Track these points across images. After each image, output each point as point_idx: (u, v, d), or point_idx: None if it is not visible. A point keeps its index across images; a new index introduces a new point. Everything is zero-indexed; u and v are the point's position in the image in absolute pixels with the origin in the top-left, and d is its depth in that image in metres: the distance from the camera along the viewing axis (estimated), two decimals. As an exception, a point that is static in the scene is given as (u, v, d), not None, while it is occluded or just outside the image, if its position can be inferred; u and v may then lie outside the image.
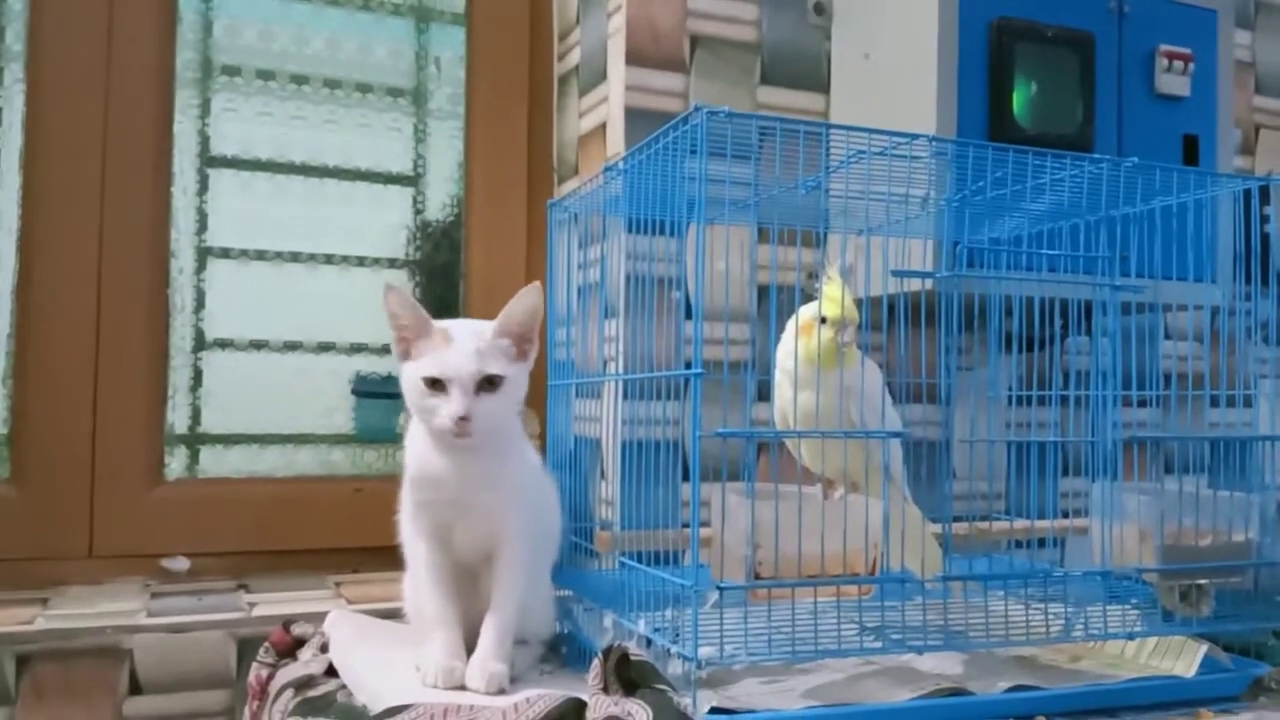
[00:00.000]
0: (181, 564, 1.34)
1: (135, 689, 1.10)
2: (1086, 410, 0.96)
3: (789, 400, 0.81)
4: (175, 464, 1.39)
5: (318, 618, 1.05)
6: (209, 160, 1.43)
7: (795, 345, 0.82)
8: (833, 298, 0.85)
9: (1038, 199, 1.02)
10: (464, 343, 0.84)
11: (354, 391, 1.49)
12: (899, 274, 0.79)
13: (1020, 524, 1.02)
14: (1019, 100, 1.28)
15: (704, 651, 0.71)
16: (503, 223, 1.52)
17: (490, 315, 1.69)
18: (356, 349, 1.49)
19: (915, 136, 0.83)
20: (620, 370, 1.27)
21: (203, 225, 1.42)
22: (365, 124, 1.50)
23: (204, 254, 1.43)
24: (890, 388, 1.39)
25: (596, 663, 0.72)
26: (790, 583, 0.73)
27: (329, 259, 1.47)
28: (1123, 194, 1.00)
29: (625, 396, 1.24)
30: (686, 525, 0.70)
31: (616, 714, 0.67)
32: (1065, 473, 1.03)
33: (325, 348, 1.47)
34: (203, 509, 1.37)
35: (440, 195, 1.55)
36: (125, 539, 1.32)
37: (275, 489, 1.41)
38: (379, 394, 1.51)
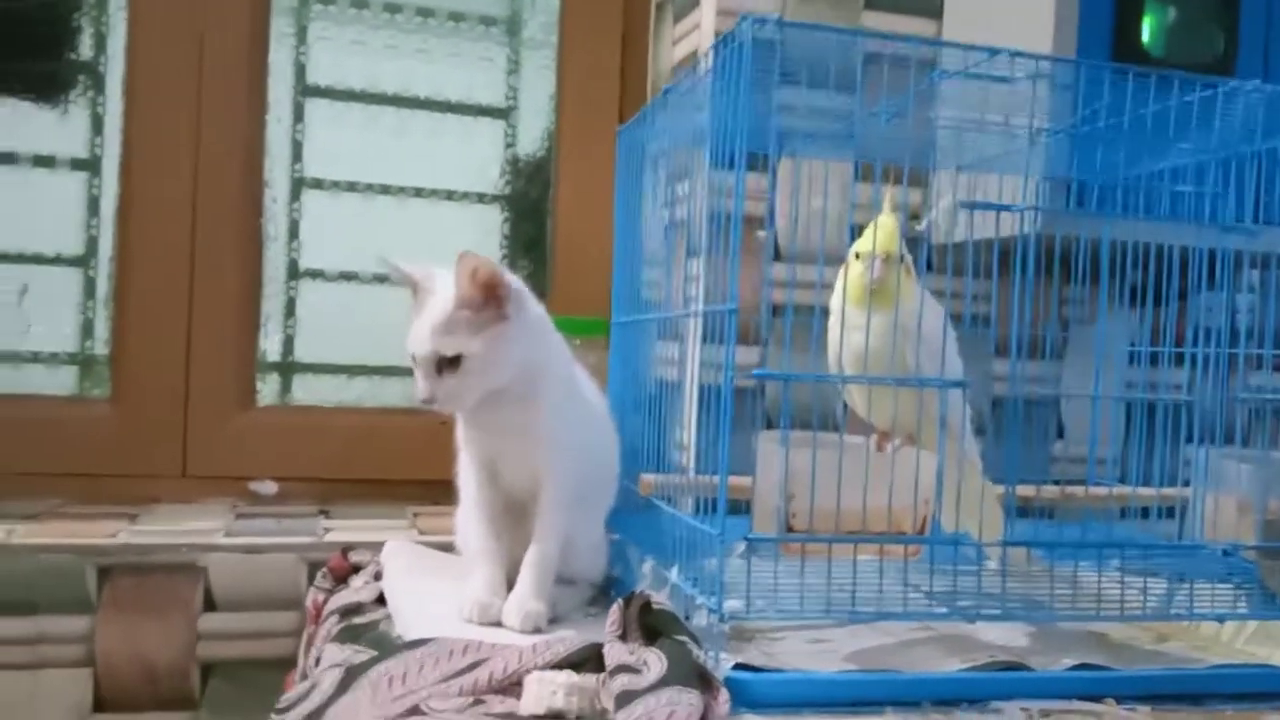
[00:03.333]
0: (269, 488, 1.37)
1: (210, 606, 1.13)
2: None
3: (836, 343, 0.75)
4: (267, 390, 1.42)
5: (379, 546, 1.06)
6: (304, 89, 1.43)
7: (843, 283, 0.75)
8: (866, 236, 0.78)
9: (1162, 133, 0.92)
10: (424, 318, 0.80)
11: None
12: (968, 206, 0.71)
13: (1120, 490, 0.94)
14: (1150, 26, 1.15)
15: (730, 605, 0.67)
16: (593, 157, 1.48)
17: (577, 255, 1.65)
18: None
19: (1005, 52, 0.75)
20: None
21: (297, 155, 1.44)
22: (457, 54, 1.48)
23: (298, 184, 1.44)
24: (1000, 341, 1.30)
25: (615, 608, 0.69)
26: (825, 538, 0.68)
27: (419, 192, 1.47)
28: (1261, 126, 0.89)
29: (704, 339, 1.20)
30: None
31: (630, 663, 0.63)
32: (1191, 439, 0.94)
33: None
34: (291, 435, 1.40)
35: (533, 129, 1.52)
36: (216, 461, 1.36)
37: (362, 419, 1.43)
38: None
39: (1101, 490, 0.94)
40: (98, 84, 1.36)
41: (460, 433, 0.88)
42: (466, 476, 0.89)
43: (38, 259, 1.36)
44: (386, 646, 0.76)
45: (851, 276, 0.75)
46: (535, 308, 0.86)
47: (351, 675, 0.70)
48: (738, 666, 0.67)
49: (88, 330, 1.38)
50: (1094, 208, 1.08)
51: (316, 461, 1.40)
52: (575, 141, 1.49)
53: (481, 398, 0.82)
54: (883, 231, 0.76)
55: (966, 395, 0.73)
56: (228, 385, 1.37)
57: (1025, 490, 0.98)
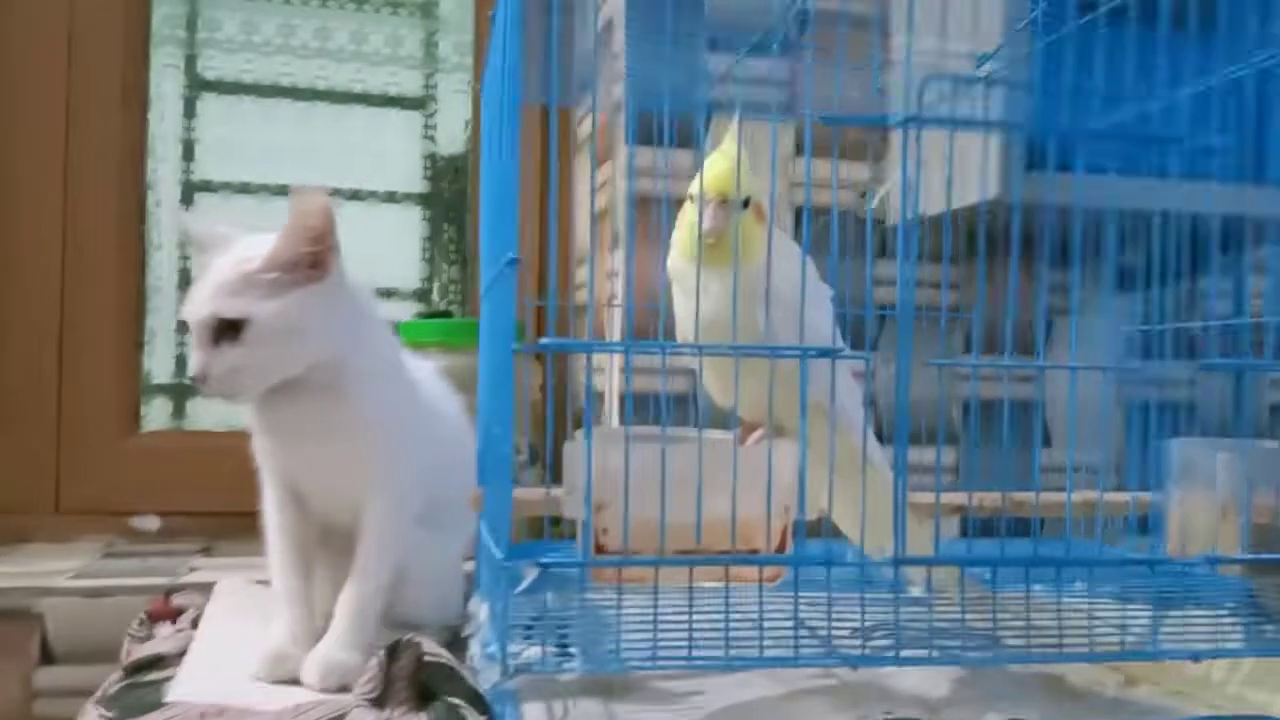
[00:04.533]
0: (151, 523, 1.23)
1: (48, 658, 0.98)
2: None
3: (685, 314, 0.59)
4: (154, 415, 1.28)
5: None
6: (195, 83, 1.31)
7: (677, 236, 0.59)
8: (704, 170, 0.61)
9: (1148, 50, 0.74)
10: (209, 277, 0.65)
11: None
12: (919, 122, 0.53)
13: (1084, 495, 0.76)
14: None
15: (528, 653, 0.51)
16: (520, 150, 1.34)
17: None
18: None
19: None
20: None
21: (188, 154, 1.31)
22: (364, 40, 1.34)
23: (189, 187, 1.31)
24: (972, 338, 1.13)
25: (375, 663, 0.53)
26: (645, 560, 0.51)
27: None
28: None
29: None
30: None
31: (373, 736, 0.47)
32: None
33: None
34: (180, 464, 1.26)
35: (453, 122, 1.38)
36: (93, 494, 1.22)
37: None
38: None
39: (1070, 497, 0.76)
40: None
41: (254, 441, 0.73)
42: (266, 504, 0.73)
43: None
44: (143, 711, 0.60)
45: (682, 227, 0.58)
46: (351, 275, 0.71)
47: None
48: (535, 734, 0.51)
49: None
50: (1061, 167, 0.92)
51: (207, 494, 1.24)
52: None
53: (270, 383, 0.66)
54: (716, 168, 0.59)
55: (866, 375, 0.56)
56: (107, 410, 1.23)
57: (989, 500, 0.80)
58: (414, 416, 0.73)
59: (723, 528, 0.51)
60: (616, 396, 1.06)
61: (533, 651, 0.50)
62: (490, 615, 0.54)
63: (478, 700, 0.51)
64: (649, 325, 1.00)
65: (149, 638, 0.84)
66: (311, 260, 0.66)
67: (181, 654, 0.77)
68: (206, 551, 1.16)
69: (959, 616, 0.60)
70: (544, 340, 0.51)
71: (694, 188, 0.61)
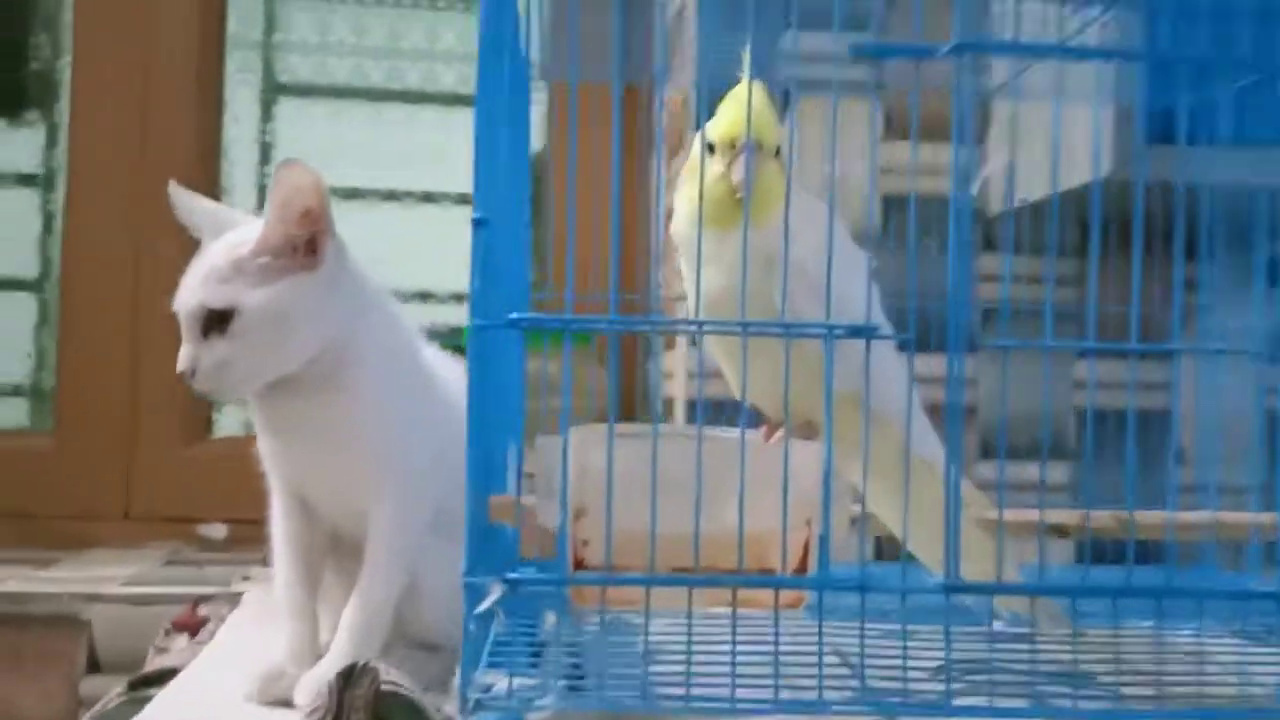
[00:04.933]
0: (218, 531, 1.21)
1: (95, 666, 0.96)
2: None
3: (691, 285, 0.50)
4: (226, 420, 1.27)
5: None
6: (272, 87, 1.29)
7: (691, 194, 0.50)
8: (725, 114, 0.52)
9: None
10: (200, 263, 0.61)
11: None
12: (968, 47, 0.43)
13: (1199, 516, 0.64)
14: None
15: (488, 681, 0.43)
16: (592, 141, 1.28)
17: (584, 261, 1.45)
18: (424, 297, 1.30)
19: None
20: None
21: (265, 158, 1.29)
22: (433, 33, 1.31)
23: (264, 191, 1.29)
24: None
25: (325, 689, 0.46)
26: (634, 579, 0.43)
27: (391, 194, 1.29)
28: None
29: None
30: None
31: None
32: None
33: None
34: (250, 471, 1.23)
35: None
36: (162, 501, 1.21)
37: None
38: (452, 348, 1.31)
39: (1200, 516, 0.65)
40: (53, 92, 1.26)
41: (258, 442, 0.68)
42: (274, 503, 0.68)
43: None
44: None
45: (707, 182, 0.50)
46: (356, 265, 0.65)
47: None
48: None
49: (43, 359, 1.26)
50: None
51: (276, 500, 1.22)
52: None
53: (263, 379, 0.61)
54: (738, 113, 0.50)
55: (907, 360, 0.46)
56: (177, 416, 1.22)
57: (1102, 520, 0.68)
58: (426, 415, 0.66)
59: (729, 542, 0.43)
60: (683, 401, 0.98)
61: (500, 684, 0.42)
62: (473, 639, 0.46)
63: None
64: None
65: (168, 649, 0.80)
66: (305, 243, 0.61)
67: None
68: (265, 561, 1.13)
69: (1056, 658, 0.50)
70: (513, 315, 0.43)
71: (712, 134, 0.52)
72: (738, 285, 0.45)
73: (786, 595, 0.44)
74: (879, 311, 0.50)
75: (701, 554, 0.43)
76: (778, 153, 0.52)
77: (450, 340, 1.27)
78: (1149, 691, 0.48)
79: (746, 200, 0.47)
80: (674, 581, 0.43)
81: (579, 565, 0.45)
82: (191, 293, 0.60)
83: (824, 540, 0.45)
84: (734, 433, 0.48)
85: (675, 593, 0.43)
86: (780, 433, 0.50)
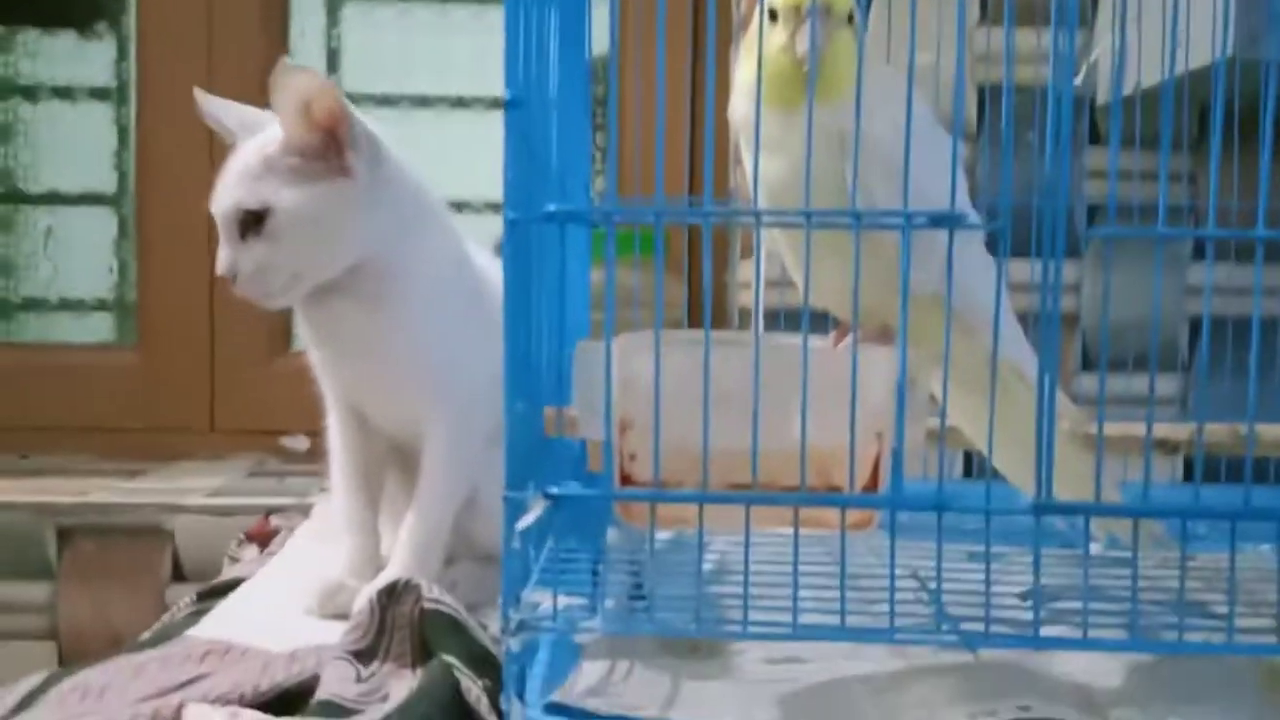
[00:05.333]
0: (301, 443, 1.21)
1: (179, 575, 0.98)
2: None
3: (751, 171, 0.45)
4: (307, 333, 1.26)
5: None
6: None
7: (750, 70, 0.45)
8: None
9: None
10: (233, 162, 0.58)
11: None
12: None
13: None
14: None
15: (535, 600, 0.40)
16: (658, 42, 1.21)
17: (649, 165, 1.40)
18: (495, 208, 1.26)
19: None
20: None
21: (332, 65, 1.26)
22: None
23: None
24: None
25: (365, 606, 0.44)
26: (684, 495, 0.39)
27: (460, 101, 1.26)
28: None
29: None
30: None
31: (343, 698, 0.39)
32: None
33: (458, 206, 1.26)
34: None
35: (598, 21, 1.26)
36: (245, 413, 1.22)
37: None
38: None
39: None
40: (121, 3, 1.24)
41: (308, 353, 0.66)
42: (329, 415, 0.67)
43: (68, 199, 1.26)
44: (156, 642, 0.55)
45: (768, 54, 0.44)
46: (403, 174, 0.62)
47: (47, 684, 0.49)
48: (552, 708, 0.40)
49: (123, 274, 1.27)
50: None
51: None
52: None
53: (304, 285, 0.59)
54: None
55: (998, 256, 0.41)
56: (258, 329, 1.22)
57: (1218, 433, 0.62)
58: (480, 326, 0.63)
59: (791, 457, 0.39)
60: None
61: (547, 603, 0.40)
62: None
63: (483, 661, 0.41)
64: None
65: (239, 559, 0.80)
66: (333, 153, 0.57)
67: (260, 579, 0.73)
68: (342, 473, 1.13)
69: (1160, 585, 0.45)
70: (551, 207, 0.39)
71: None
72: (803, 170, 0.40)
73: (854, 515, 0.40)
74: (965, 201, 0.45)
75: (760, 470, 0.39)
76: (851, 19, 0.46)
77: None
78: (1267, 623, 0.43)
79: (812, 73, 0.42)
80: (729, 499, 0.39)
81: (626, 481, 0.42)
82: (226, 192, 0.58)
83: (897, 455, 0.40)
84: (797, 338, 0.44)
85: (732, 512, 0.40)
86: (849, 338, 0.45)
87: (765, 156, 0.46)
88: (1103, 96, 0.96)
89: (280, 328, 1.24)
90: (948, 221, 0.39)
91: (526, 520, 0.39)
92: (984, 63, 0.98)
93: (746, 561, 0.39)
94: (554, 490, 0.39)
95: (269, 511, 0.87)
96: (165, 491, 1.02)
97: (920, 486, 0.40)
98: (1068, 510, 0.41)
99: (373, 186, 0.59)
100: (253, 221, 0.57)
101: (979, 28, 0.98)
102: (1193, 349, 1.00)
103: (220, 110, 0.63)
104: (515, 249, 0.39)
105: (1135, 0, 0.79)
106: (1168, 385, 0.99)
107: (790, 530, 0.40)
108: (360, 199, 0.58)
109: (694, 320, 1.11)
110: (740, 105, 0.49)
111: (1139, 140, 0.94)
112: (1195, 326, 0.99)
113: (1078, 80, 0.97)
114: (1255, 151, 0.53)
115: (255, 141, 0.59)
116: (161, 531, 0.97)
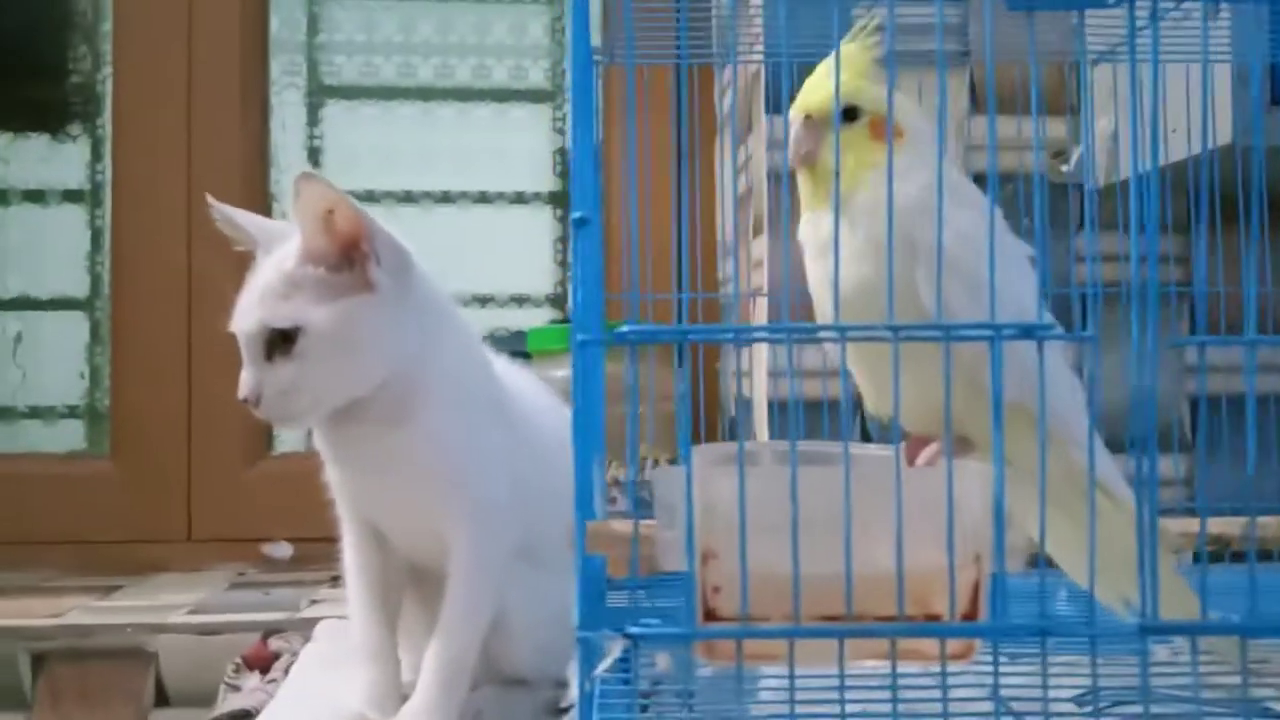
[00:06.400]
0: (283, 550, 1.17)
1: (163, 699, 0.92)
2: None
3: (815, 282, 0.44)
4: (288, 436, 1.22)
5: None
6: (318, 89, 1.25)
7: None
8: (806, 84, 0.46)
9: None
10: (256, 279, 0.57)
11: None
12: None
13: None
14: None
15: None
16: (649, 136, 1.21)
17: (657, 259, 1.40)
18: (482, 301, 1.25)
19: None
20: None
21: (314, 162, 1.25)
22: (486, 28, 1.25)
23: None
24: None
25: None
26: (773, 631, 0.37)
27: (446, 196, 1.24)
28: None
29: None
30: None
31: None
32: None
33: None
34: (314, 487, 1.19)
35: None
36: (224, 521, 1.17)
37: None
38: (514, 353, 1.26)
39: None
40: (95, 105, 1.22)
41: (325, 470, 0.63)
42: (345, 535, 0.63)
43: (39, 304, 1.22)
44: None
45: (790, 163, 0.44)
46: (426, 283, 0.60)
47: None
48: None
49: (96, 379, 1.23)
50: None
51: (339, 517, 1.18)
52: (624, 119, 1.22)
53: (331, 405, 0.56)
54: (810, 79, 0.44)
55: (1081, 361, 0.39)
56: (237, 433, 1.18)
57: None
58: (502, 441, 0.61)
59: (885, 585, 0.37)
60: (765, 405, 0.92)
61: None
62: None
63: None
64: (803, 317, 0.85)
65: (239, 688, 0.75)
66: (357, 265, 0.56)
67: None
68: (335, 581, 1.09)
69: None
70: (625, 328, 0.37)
71: (796, 105, 0.46)
72: (866, 278, 0.39)
73: (954, 645, 0.38)
74: (1045, 310, 0.43)
75: (845, 597, 0.37)
76: (855, 117, 0.45)
77: (508, 345, 1.23)
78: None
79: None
80: (823, 633, 0.37)
81: (709, 616, 0.39)
82: (250, 312, 0.56)
83: (997, 579, 0.38)
84: (873, 450, 0.42)
85: (822, 646, 0.37)
86: (929, 450, 0.43)
87: (811, 261, 0.45)
88: (1092, 181, 0.97)
89: (259, 430, 1.21)
90: (1036, 332, 0.37)
91: (605, 665, 0.36)
92: (973, 151, 0.99)
93: (843, 703, 0.37)
94: (634, 630, 0.37)
95: (266, 633, 0.82)
96: (145, 609, 0.97)
97: (1018, 610, 0.38)
98: (1174, 630, 0.39)
99: (399, 298, 0.57)
100: (280, 341, 0.55)
101: (970, 117, 1.00)
102: (1194, 428, 1.00)
103: (235, 217, 0.61)
104: (586, 370, 0.37)
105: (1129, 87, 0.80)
106: (1168, 466, 0.99)
107: (881, 664, 0.37)
108: (387, 311, 0.56)
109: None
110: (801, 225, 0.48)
111: (1122, 225, 0.96)
112: (1195, 405, 0.99)
113: (1068, 168, 0.98)
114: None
115: (274, 258, 0.57)
116: (143, 653, 0.92)
